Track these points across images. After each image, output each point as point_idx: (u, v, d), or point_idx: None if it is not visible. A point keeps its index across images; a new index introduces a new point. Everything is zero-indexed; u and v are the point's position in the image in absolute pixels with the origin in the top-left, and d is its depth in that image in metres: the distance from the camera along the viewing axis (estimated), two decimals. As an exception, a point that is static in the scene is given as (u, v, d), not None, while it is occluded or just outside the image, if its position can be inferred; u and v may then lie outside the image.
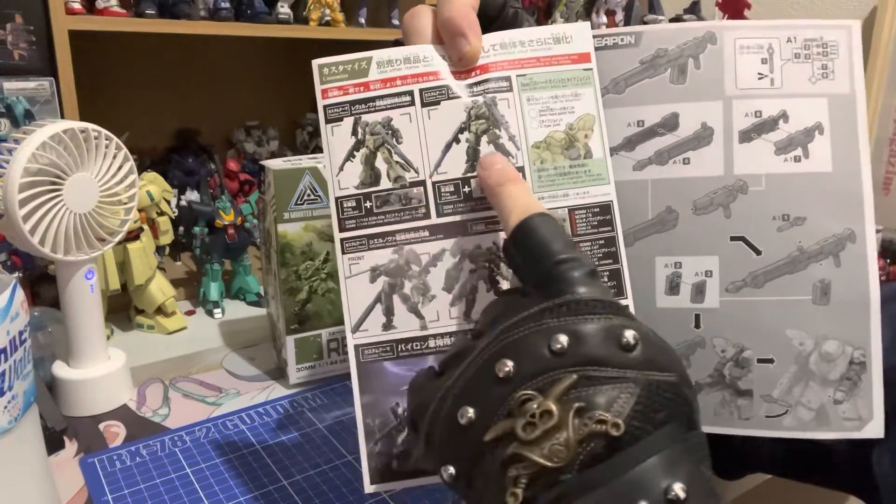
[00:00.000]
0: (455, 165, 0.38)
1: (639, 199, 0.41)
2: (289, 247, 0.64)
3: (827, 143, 0.39)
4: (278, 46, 1.06)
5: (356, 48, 0.39)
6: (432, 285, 0.38)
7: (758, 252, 0.40)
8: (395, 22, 1.13)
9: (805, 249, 0.39)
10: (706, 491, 0.25)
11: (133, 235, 0.75)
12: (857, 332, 0.39)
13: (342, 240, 0.38)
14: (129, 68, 1.06)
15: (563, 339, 0.27)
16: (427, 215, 0.38)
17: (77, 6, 0.81)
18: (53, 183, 0.55)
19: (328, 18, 1.01)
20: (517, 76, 0.39)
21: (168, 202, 0.80)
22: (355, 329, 0.38)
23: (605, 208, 0.39)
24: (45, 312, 0.68)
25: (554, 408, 0.26)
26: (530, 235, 0.31)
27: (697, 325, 0.41)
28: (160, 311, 0.79)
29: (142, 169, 0.81)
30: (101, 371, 0.62)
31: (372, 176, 0.38)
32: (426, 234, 0.38)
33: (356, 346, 0.38)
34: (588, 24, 0.40)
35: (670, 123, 0.40)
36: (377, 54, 0.38)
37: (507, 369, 0.28)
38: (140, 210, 0.76)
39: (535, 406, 0.26)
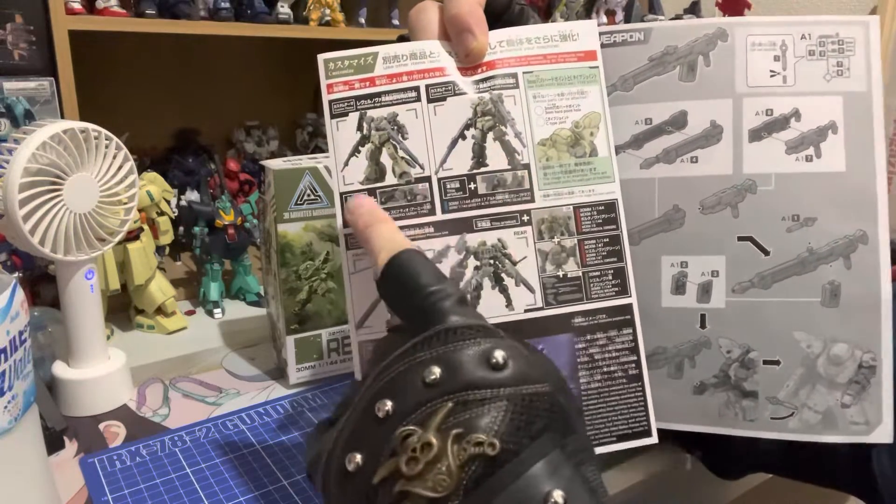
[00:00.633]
0: (460, 162, 0.38)
1: (645, 197, 0.40)
2: (289, 247, 0.63)
3: (840, 143, 0.38)
4: (278, 46, 1.06)
5: (356, 48, 0.39)
6: None
7: (766, 252, 0.39)
8: (395, 22, 1.13)
9: (815, 250, 0.39)
10: (586, 491, 0.26)
11: (133, 235, 0.75)
12: (867, 336, 0.38)
13: (346, 235, 0.38)
14: (129, 68, 1.06)
15: (436, 370, 0.27)
16: (432, 211, 0.38)
17: (77, 6, 0.81)
18: (53, 183, 0.55)
19: (328, 18, 1.01)
20: (523, 73, 0.39)
21: (168, 202, 0.80)
22: (359, 325, 0.38)
23: (610, 206, 0.39)
24: (45, 312, 0.68)
25: (433, 439, 0.26)
26: (399, 272, 0.31)
27: (703, 326, 0.40)
28: (160, 311, 0.79)
29: (142, 169, 0.81)
30: (101, 371, 0.61)
31: (377, 171, 0.38)
32: (431, 230, 0.38)
33: (360, 343, 0.38)
34: (595, 21, 0.40)
35: (679, 121, 0.40)
36: (383, 49, 0.38)
37: (386, 408, 0.28)
38: (140, 210, 0.75)
39: (415, 440, 0.26)
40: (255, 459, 0.54)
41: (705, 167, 0.40)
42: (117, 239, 0.61)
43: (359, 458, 0.28)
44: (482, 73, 0.38)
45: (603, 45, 0.39)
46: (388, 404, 0.28)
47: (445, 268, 0.38)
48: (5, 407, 0.38)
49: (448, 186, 0.38)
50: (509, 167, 0.38)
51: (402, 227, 0.38)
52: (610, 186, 0.39)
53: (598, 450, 0.38)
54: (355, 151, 0.38)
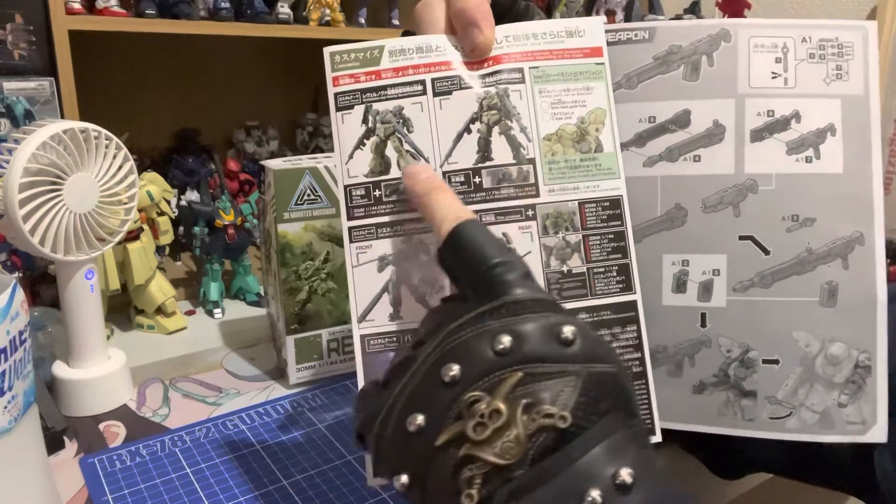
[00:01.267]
0: (466, 156, 0.38)
1: (648, 195, 0.40)
2: (289, 247, 0.63)
3: (839, 145, 0.39)
4: (278, 46, 1.06)
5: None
6: (441, 276, 0.38)
7: (766, 252, 0.40)
8: (396, 22, 1.13)
9: (813, 250, 0.39)
10: (652, 472, 0.26)
11: (133, 235, 0.75)
12: (863, 336, 0.39)
13: (350, 228, 0.38)
14: (129, 68, 1.06)
15: (506, 340, 0.27)
16: None
17: (77, 6, 0.81)
18: (53, 183, 0.55)
19: (328, 18, 1.01)
20: (529, 68, 0.39)
21: (168, 202, 0.80)
22: (361, 319, 0.38)
23: (615, 203, 0.39)
24: (45, 312, 0.68)
25: (502, 406, 0.26)
26: (463, 242, 0.32)
27: (703, 324, 0.41)
28: (160, 311, 0.79)
29: (142, 169, 0.81)
30: (101, 371, 0.62)
31: (382, 164, 0.38)
32: None
33: (362, 337, 0.38)
34: (602, 18, 0.40)
35: (682, 120, 0.40)
36: (389, 43, 0.38)
37: (453, 373, 0.28)
38: (140, 210, 0.75)
39: (483, 406, 0.26)
40: (255, 459, 0.54)
41: (707, 166, 0.40)
42: (117, 239, 0.61)
43: (421, 419, 0.28)
44: (488, 67, 0.38)
45: (608, 44, 0.40)
46: (455, 368, 0.28)
47: None
48: (5, 407, 0.38)
49: (453, 180, 0.38)
50: (514, 162, 0.38)
51: (405, 221, 0.38)
52: (615, 182, 0.39)
53: None
54: (360, 144, 0.38)
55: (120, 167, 0.60)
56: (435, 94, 0.38)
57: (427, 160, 0.38)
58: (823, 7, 1.21)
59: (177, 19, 0.88)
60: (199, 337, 0.78)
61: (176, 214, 0.85)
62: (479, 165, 0.38)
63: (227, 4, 0.92)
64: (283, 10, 0.97)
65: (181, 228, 0.88)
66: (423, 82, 0.38)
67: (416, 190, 0.36)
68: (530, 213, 0.38)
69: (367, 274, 0.38)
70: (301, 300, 0.64)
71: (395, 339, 0.38)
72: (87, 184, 0.57)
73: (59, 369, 0.61)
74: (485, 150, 0.38)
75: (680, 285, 0.41)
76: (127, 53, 1.03)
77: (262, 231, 0.71)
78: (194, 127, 1.13)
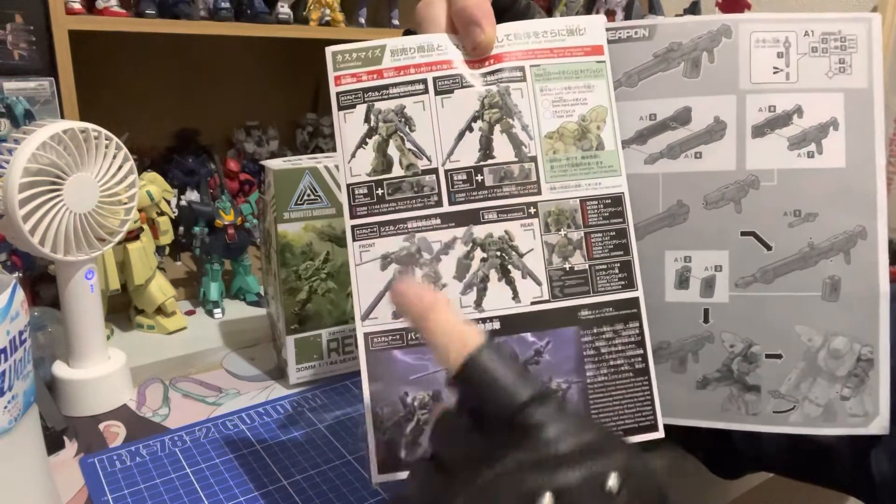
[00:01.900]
0: (468, 154, 0.38)
1: (650, 192, 0.41)
2: (289, 247, 0.64)
3: (841, 139, 0.39)
4: (278, 46, 1.07)
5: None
6: (443, 273, 0.38)
7: (768, 247, 0.40)
8: (395, 22, 1.13)
9: (816, 245, 0.39)
10: None
11: (133, 235, 0.75)
12: (865, 329, 0.39)
13: (353, 227, 0.38)
14: (129, 68, 1.06)
15: (548, 499, 0.26)
16: (439, 203, 0.38)
17: (77, 6, 0.81)
18: (53, 183, 0.55)
19: (328, 18, 1.01)
20: (531, 66, 0.39)
21: (168, 202, 0.80)
22: (365, 317, 0.38)
23: (617, 200, 0.39)
24: (45, 312, 0.68)
25: None
26: (479, 378, 0.29)
27: (706, 320, 0.41)
28: (160, 311, 0.79)
29: (142, 169, 0.81)
30: (101, 371, 0.62)
31: (384, 163, 0.38)
32: (438, 221, 0.38)
33: (365, 335, 0.38)
34: (602, 17, 0.40)
35: (683, 117, 0.40)
36: (391, 42, 0.39)
37: None
38: (140, 210, 0.76)
39: None
40: (255, 459, 0.54)
41: (709, 163, 0.40)
42: (117, 239, 0.61)
43: None
44: (490, 66, 0.39)
45: (608, 42, 0.40)
46: None
47: (452, 259, 0.38)
48: (5, 407, 0.38)
49: (455, 178, 0.38)
50: (516, 159, 0.39)
51: (409, 219, 0.38)
52: (616, 180, 0.39)
53: None
54: (362, 143, 0.38)
55: (120, 167, 0.60)
56: (437, 93, 0.38)
57: (429, 159, 0.38)
58: (823, 7, 1.21)
59: (177, 19, 0.88)
60: (199, 337, 0.78)
61: (176, 214, 0.85)
62: (482, 163, 0.38)
63: (227, 4, 0.92)
64: (283, 10, 0.97)
65: (181, 228, 0.88)
66: (424, 81, 0.38)
67: (410, 313, 0.33)
68: (532, 210, 0.38)
69: (370, 272, 0.38)
70: (301, 300, 0.65)
71: (398, 336, 0.38)
72: (87, 184, 0.57)
73: (59, 369, 0.61)
74: (487, 148, 0.38)
75: (682, 281, 0.41)
76: (127, 53, 1.03)
77: (262, 231, 0.71)
78: (194, 127, 1.13)
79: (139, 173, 0.65)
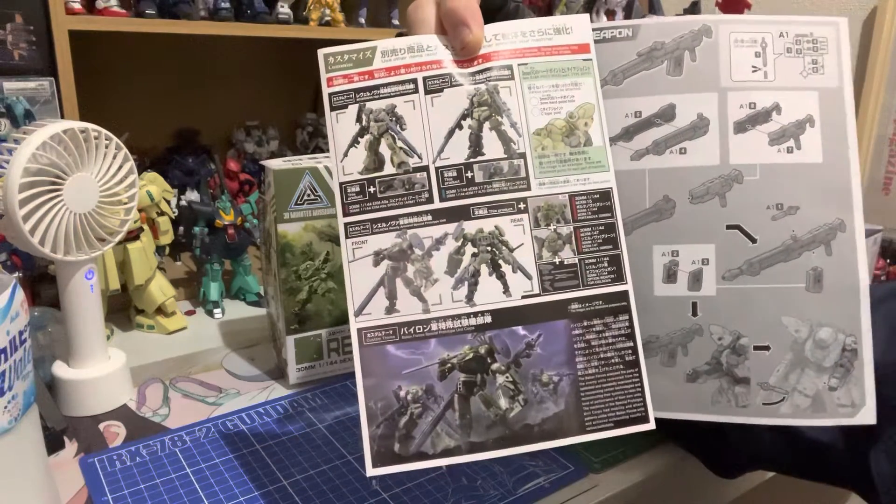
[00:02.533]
0: (458, 151, 0.39)
1: (637, 188, 0.42)
2: (289, 247, 0.64)
3: (817, 136, 0.41)
4: (278, 46, 1.07)
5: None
6: (435, 269, 0.39)
7: (753, 240, 0.41)
8: (396, 22, 1.13)
9: (798, 238, 0.40)
10: None
11: (133, 235, 0.75)
12: (848, 320, 0.40)
13: (346, 224, 0.39)
14: (129, 68, 1.06)
15: None
16: (430, 200, 0.39)
17: (77, 6, 0.81)
18: (53, 183, 0.55)
19: (328, 18, 1.01)
20: (518, 65, 0.40)
21: (168, 202, 0.80)
22: (358, 313, 0.39)
23: (605, 195, 0.40)
24: (45, 312, 0.68)
25: None
26: None
27: (695, 313, 0.42)
28: (160, 311, 0.79)
29: (142, 169, 0.82)
30: (101, 371, 0.62)
31: (376, 161, 0.39)
32: (429, 218, 0.39)
33: (359, 330, 0.38)
34: (587, 15, 0.42)
35: (667, 114, 0.41)
36: (381, 44, 0.40)
37: None
38: (140, 210, 0.76)
39: None
40: (255, 459, 0.54)
41: (694, 158, 0.41)
42: (117, 239, 0.61)
43: None
44: (478, 65, 0.40)
45: (594, 41, 0.41)
46: None
47: (443, 255, 0.39)
48: (5, 407, 0.38)
49: (446, 175, 0.39)
50: (505, 156, 0.40)
51: (400, 216, 0.39)
52: (604, 175, 0.40)
53: (596, 436, 0.39)
54: (354, 142, 0.39)
55: (120, 167, 0.60)
56: (426, 92, 0.39)
57: (420, 156, 0.39)
58: (823, 8, 1.21)
59: (177, 19, 0.88)
60: (199, 337, 0.78)
61: (176, 214, 0.85)
62: (471, 160, 0.39)
63: (227, 4, 0.92)
64: (283, 10, 0.98)
65: (181, 228, 0.88)
66: (414, 81, 0.39)
67: None
68: (522, 206, 0.39)
69: (362, 268, 0.39)
70: (301, 300, 0.65)
71: (391, 331, 0.39)
72: (87, 184, 0.57)
73: (59, 369, 0.61)
74: (476, 146, 0.39)
75: (670, 275, 0.42)
76: (127, 53, 1.04)
77: (262, 231, 0.71)
78: (194, 127, 1.13)
79: (139, 173, 0.65)
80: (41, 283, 0.77)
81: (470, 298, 0.39)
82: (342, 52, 0.40)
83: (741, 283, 0.41)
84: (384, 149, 0.39)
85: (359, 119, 0.39)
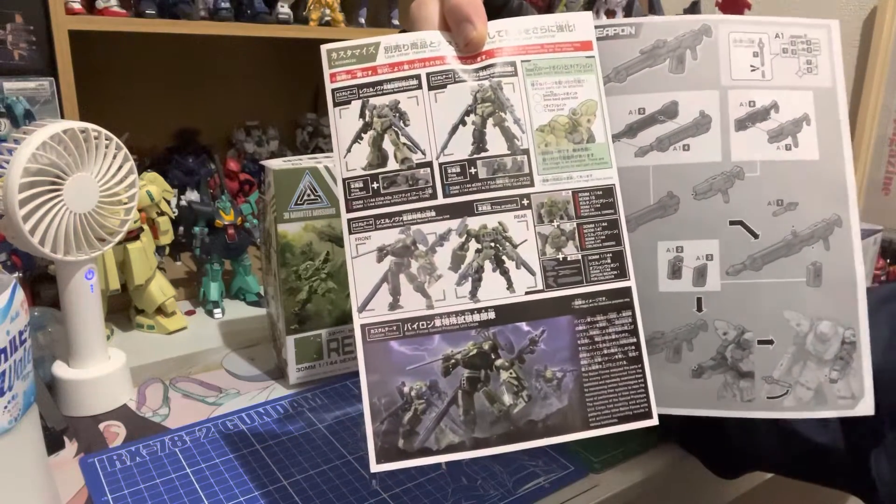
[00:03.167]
0: (461, 147, 0.39)
1: (641, 184, 0.42)
2: (289, 247, 0.64)
3: (813, 133, 0.42)
4: (278, 46, 1.07)
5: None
6: (439, 265, 0.39)
7: (755, 236, 0.41)
8: (395, 22, 1.13)
9: (798, 233, 0.41)
10: None
11: (133, 235, 0.75)
12: (846, 313, 0.41)
13: (349, 220, 0.39)
14: (129, 68, 1.06)
15: None
16: (433, 196, 0.39)
17: (77, 6, 0.81)
18: (53, 183, 0.55)
19: (328, 18, 1.01)
20: (522, 61, 0.40)
21: (168, 202, 0.80)
22: (361, 309, 0.39)
23: (608, 191, 0.40)
24: (45, 312, 0.68)
25: None
26: None
27: (699, 309, 0.42)
28: (160, 311, 0.79)
29: (142, 169, 0.82)
30: (101, 371, 0.62)
31: (379, 157, 0.39)
32: (433, 213, 0.39)
33: (362, 326, 0.39)
34: (590, 13, 0.42)
35: (670, 111, 0.42)
36: (385, 39, 0.40)
37: None
38: (140, 210, 0.76)
39: None
40: (255, 459, 0.54)
41: (696, 155, 0.42)
42: (117, 239, 0.61)
43: None
44: (481, 61, 0.40)
45: (596, 39, 0.41)
46: None
47: (447, 250, 0.39)
48: (5, 407, 0.38)
49: (449, 171, 0.39)
50: (509, 152, 0.40)
51: (404, 212, 0.39)
52: (607, 172, 0.40)
53: (599, 432, 0.39)
54: (358, 138, 0.40)
55: (120, 167, 0.60)
56: (430, 88, 0.39)
57: (423, 152, 0.39)
58: (823, 8, 1.21)
59: (177, 19, 0.88)
60: (199, 337, 0.79)
61: (176, 214, 0.85)
62: (475, 156, 0.39)
63: (227, 4, 0.92)
64: (283, 10, 0.98)
65: (181, 228, 0.88)
66: (418, 77, 0.39)
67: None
68: (525, 202, 0.39)
69: (366, 264, 0.39)
70: (301, 300, 0.65)
71: (395, 327, 0.39)
72: (87, 184, 0.57)
73: (59, 369, 0.61)
74: (480, 142, 0.39)
75: (675, 271, 0.42)
76: (127, 53, 1.04)
77: (262, 231, 0.72)
78: (194, 127, 1.14)
79: (139, 173, 0.65)
80: (41, 283, 0.77)
81: (473, 294, 0.39)
82: (345, 48, 0.40)
83: (745, 278, 0.41)
84: (387, 144, 0.39)
85: (362, 115, 0.39)
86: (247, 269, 0.89)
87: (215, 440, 0.57)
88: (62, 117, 0.77)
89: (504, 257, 0.39)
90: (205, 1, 0.93)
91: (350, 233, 0.39)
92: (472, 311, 0.39)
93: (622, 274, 0.39)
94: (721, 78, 0.42)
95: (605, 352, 0.39)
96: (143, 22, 0.86)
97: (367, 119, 0.39)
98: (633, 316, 0.39)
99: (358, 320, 0.38)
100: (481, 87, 0.39)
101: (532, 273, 0.39)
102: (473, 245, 0.39)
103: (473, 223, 0.39)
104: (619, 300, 0.39)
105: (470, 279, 0.39)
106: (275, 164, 0.65)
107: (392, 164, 0.39)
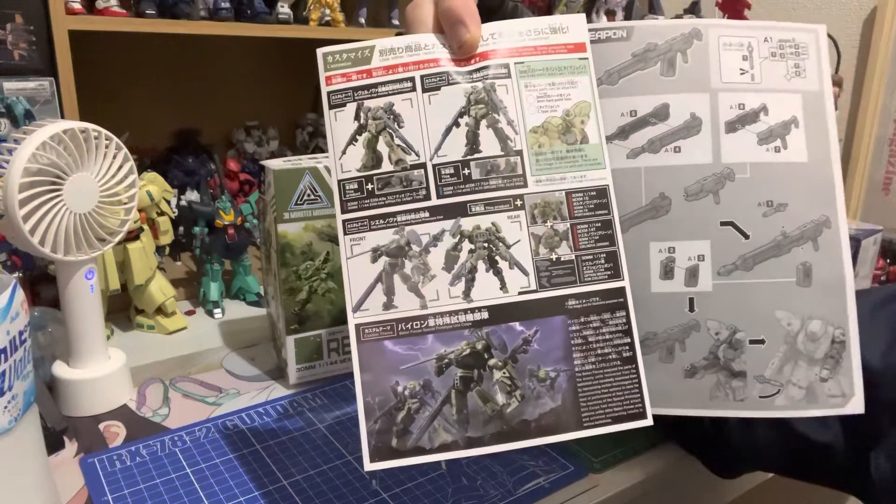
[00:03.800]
0: (455, 149, 0.40)
1: (633, 186, 0.43)
2: (289, 247, 0.64)
3: (802, 136, 0.42)
4: (278, 46, 1.07)
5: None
6: (432, 265, 0.39)
7: (746, 236, 0.42)
8: (395, 22, 1.13)
9: (788, 234, 0.42)
10: None
11: (133, 235, 0.75)
12: (836, 312, 0.42)
13: (344, 221, 0.40)
14: (129, 68, 1.06)
15: None
16: (427, 197, 0.40)
17: (77, 6, 0.82)
18: (53, 183, 0.55)
19: (328, 18, 1.02)
20: (515, 63, 0.40)
21: (168, 202, 0.80)
22: (356, 308, 0.39)
23: (602, 192, 0.40)
24: (45, 312, 0.68)
25: None
26: None
27: (692, 309, 0.43)
28: (160, 311, 0.79)
29: (142, 169, 0.82)
30: (101, 371, 0.62)
31: (374, 159, 0.40)
32: (426, 214, 0.40)
33: (357, 326, 0.39)
34: (583, 15, 0.42)
35: (662, 113, 0.43)
36: (380, 42, 0.40)
37: None
38: (140, 210, 0.76)
39: None
40: (255, 459, 0.54)
41: (688, 156, 0.43)
42: (117, 239, 0.61)
43: None
44: (475, 63, 0.40)
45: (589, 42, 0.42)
46: None
47: (441, 251, 0.40)
48: (5, 407, 0.38)
49: (443, 172, 0.40)
50: (502, 153, 0.40)
51: (398, 212, 0.40)
52: (601, 173, 0.41)
53: (593, 432, 0.39)
54: (353, 140, 0.40)
55: (120, 167, 0.60)
56: (424, 91, 0.40)
57: (417, 154, 0.40)
58: (822, 7, 1.21)
59: (177, 19, 0.89)
60: (199, 337, 0.79)
61: (176, 214, 0.85)
62: (468, 157, 0.40)
63: (227, 4, 0.92)
64: (283, 10, 0.98)
65: (181, 228, 0.88)
66: (412, 79, 0.40)
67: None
68: (519, 202, 0.40)
69: (360, 265, 0.39)
70: (301, 300, 0.65)
71: (389, 327, 0.39)
72: (87, 184, 0.57)
73: (59, 369, 0.61)
74: (473, 143, 0.40)
75: (667, 272, 0.43)
76: (127, 53, 1.04)
77: (262, 231, 0.72)
78: (194, 127, 1.14)
79: (139, 173, 0.65)
80: (41, 283, 0.77)
81: (467, 294, 0.39)
82: (341, 51, 0.40)
83: (736, 279, 0.42)
84: (382, 146, 0.40)
85: (357, 117, 0.40)
86: (247, 269, 0.89)
87: (215, 440, 0.57)
88: (62, 117, 0.77)
89: (497, 258, 0.39)
90: (205, 1, 0.94)
91: (345, 233, 0.40)
92: (465, 311, 0.39)
93: (616, 274, 0.40)
94: (711, 81, 0.42)
95: (599, 352, 0.39)
96: (143, 22, 0.86)
97: (362, 121, 0.40)
98: (627, 316, 0.39)
99: (352, 320, 0.39)
100: (475, 88, 0.40)
101: (525, 273, 0.39)
102: (467, 245, 0.39)
103: (467, 224, 0.39)
104: (612, 300, 0.40)
105: (463, 279, 0.39)
106: (275, 164, 0.65)
107: (386, 166, 0.40)
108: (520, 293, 0.39)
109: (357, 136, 0.40)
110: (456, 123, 0.40)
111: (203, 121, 1.15)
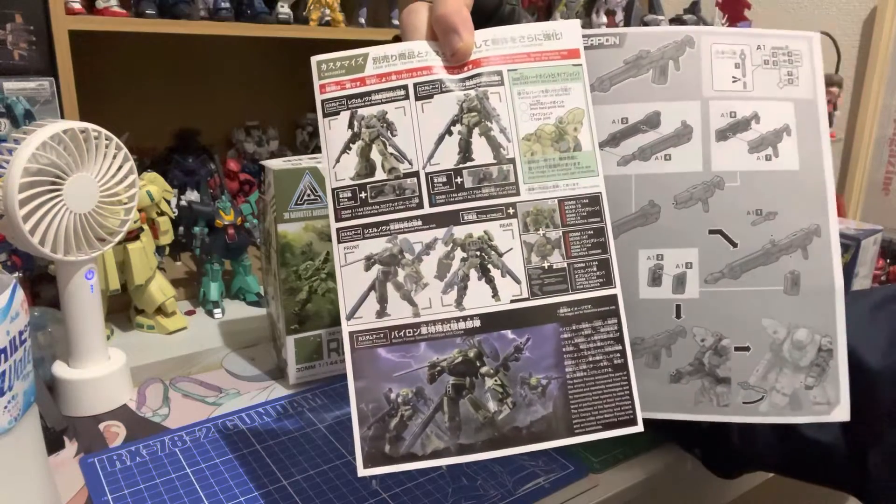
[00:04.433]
0: (448, 157, 0.40)
1: (623, 193, 0.43)
2: (289, 247, 0.64)
3: (794, 144, 0.42)
4: (278, 46, 1.07)
5: (356, 48, 0.41)
6: (425, 273, 0.40)
7: (734, 245, 0.42)
8: (395, 22, 1.13)
9: (777, 242, 0.42)
10: None
11: (133, 235, 0.75)
12: (824, 321, 0.42)
13: (338, 229, 0.40)
14: (129, 68, 1.06)
15: None
16: (420, 205, 0.40)
17: (77, 6, 0.82)
18: (53, 183, 0.56)
19: (328, 18, 1.02)
20: (508, 70, 0.41)
21: (168, 202, 0.81)
22: (350, 316, 0.39)
23: (595, 199, 0.40)
24: (45, 312, 0.68)
25: None
26: None
27: (678, 316, 0.43)
28: (160, 311, 0.79)
29: (142, 169, 0.82)
30: (101, 371, 0.62)
31: (367, 167, 0.40)
32: (419, 223, 0.40)
33: (350, 333, 0.39)
34: (578, 21, 0.43)
35: (653, 121, 0.43)
36: (373, 50, 0.40)
37: None
38: (140, 210, 0.76)
39: None
40: (255, 459, 0.54)
41: (678, 164, 0.43)
42: (117, 239, 0.61)
43: None
44: (468, 71, 0.40)
45: None
46: None
47: (433, 259, 0.40)
48: (5, 407, 0.38)
49: (436, 181, 0.40)
50: (495, 161, 0.40)
51: (391, 221, 0.40)
52: (594, 180, 0.41)
53: (584, 438, 0.39)
54: (346, 148, 0.40)
55: (120, 167, 0.60)
56: (417, 99, 0.40)
57: (410, 162, 0.40)
58: (822, 7, 1.21)
59: (177, 19, 0.89)
60: (199, 337, 0.79)
61: (176, 214, 0.85)
62: (461, 166, 0.40)
63: (227, 4, 0.93)
64: (283, 10, 0.98)
65: (181, 228, 0.88)
66: (405, 87, 0.40)
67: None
68: (511, 211, 0.40)
69: (354, 273, 0.40)
70: (301, 300, 0.65)
71: (382, 335, 0.39)
72: (87, 184, 0.57)
73: (59, 369, 0.61)
74: (466, 151, 0.40)
75: (655, 279, 0.43)
76: (127, 53, 1.04)
77: (262, 231, 0.72)
78: (194, 127, 1.14)
79: (139, 173, 0.65)
80: (41, 283, 0.78)
81: (459, 303, 0.39)
82: (334, 59, 0.40)
83: (723, 287, 0.42)
84: (375, 155, 0.40)
85: (350, 125, 0.40)
86: (247, 269, 0.89)
87: (215, 440, 0.57)
88: (62, 117, 0.77)
89: (489, 266, 0.40)
90: (205, 1, 0.94)
91: (339, 242, 0.40)
92: (457, 319, 0.39)
93: (608, 282, 0.40)
94: (703, 89, 0.43)
95: (591, 359, 0.39)
96: (143, 22, 0.86)
97: (356, 129, 0.40)
98: (619, 323, 0.40)
99: (346, 328, 0.39)
100: (467, 96, 0.40)
101: (517, 281, 0.40)
102: (459, 254, 0.39)
103: (459, 232, 0.40)
104: (604, 308, 0.40)
105: (456, 287, 0.39)
106: (275, 164, 0.65)
107: (380, 174, 0.40)
108: (512, 301, 0.39)
109: (350, 145, 0.40)
110: (448, 132, 0.40)
111: (203, 121, 1.15)
